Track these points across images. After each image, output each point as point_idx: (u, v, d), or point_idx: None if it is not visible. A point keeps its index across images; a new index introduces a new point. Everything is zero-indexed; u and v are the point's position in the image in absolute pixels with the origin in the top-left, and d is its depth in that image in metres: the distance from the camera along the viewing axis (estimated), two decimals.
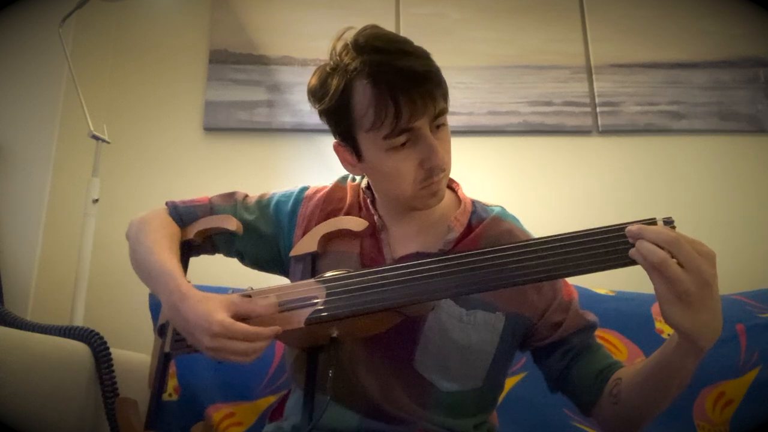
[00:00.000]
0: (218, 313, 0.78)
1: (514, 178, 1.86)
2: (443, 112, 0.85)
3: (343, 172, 1.01)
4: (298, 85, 1.91)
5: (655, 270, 0.65)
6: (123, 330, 1.62)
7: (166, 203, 1.04)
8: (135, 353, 1.30)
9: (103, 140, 1.56)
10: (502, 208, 1.01)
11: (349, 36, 0.88)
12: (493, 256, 0.75)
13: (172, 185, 1.84)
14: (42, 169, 1.66)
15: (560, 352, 0.92)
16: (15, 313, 1.22)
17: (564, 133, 1.90)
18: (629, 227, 0.69)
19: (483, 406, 0.95)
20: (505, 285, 0.76)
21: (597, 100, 1.90)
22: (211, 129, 1.90)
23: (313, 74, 0.91)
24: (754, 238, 1.79)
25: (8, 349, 0.92)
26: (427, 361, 0.88)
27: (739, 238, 1.79)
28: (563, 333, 0.91)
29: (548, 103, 1.90)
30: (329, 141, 0.90)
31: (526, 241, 0.77)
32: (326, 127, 0.94)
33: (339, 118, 0.87)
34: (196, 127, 1.91)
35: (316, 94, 0.90)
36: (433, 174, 0.85)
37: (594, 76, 1.92)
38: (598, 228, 0.73)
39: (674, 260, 0.65)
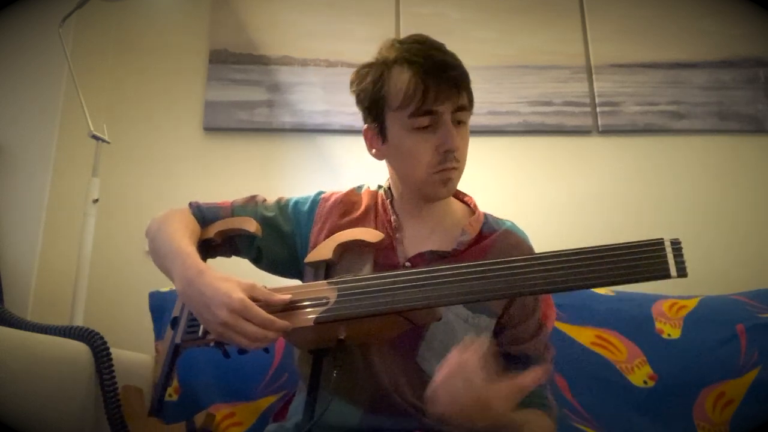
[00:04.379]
0: (238, 292, 0.80)
1: (514, 178, 1.86)
2: (465, 108, 0.94)
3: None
4: (298, 85, 1.91)
5: None
6: (123, 330, 1.61)
7: (190, 203, 1.06)
8: (135, 353, 1.30)
9: (103, 140, 1.56)
10: (512, 222, 1.05)
11: (396, 39, 0.97)
12: (503, 266, 0.77)
13: (172, 185, 1.84)
14: (42, 169, 1.66)
15: None
16: (15, 313, 1.22)
17: (564, 133, 1.90)
18: None
19: None
20: (512, 295, 0.77)
21: (597, 100, 1.90)
22: (211, 129, 1.90)
23: (357, 68, 1.00)
24: (754, 238, 1.79)
25: (8, 349, 0.91)
26: (429, 356, 0.90)
27: (739, 238, 1.79)
28: (516, 351, 0.95)
29: (548, 103, 1.90)
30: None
31: (538, 254, 0.78)
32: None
33: (373, 98, 0.95)
34: (196, 127, 1.91)
35: (357, 79, 0.98)
36: (447, 159, 0.91)
37: (594, 76, 1.92)
38: (608, 245, 0.75)
39: None
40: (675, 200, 1.83)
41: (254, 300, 0.81)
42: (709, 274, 1.67)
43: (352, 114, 1.86)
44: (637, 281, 0.73)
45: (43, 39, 1.72)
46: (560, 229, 1.78)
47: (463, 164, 0.96)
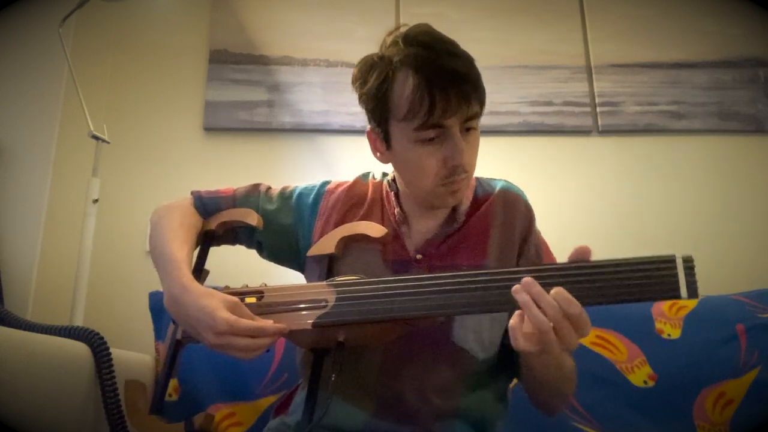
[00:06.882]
0: (222, 311, 0.78)
1: (514, 179, 1.84)
2: (476, 116, 0.89)
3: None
4: (298, 85, 1.91)
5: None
6: (123, 330, 1.62)
7: (192, 193, 1.05)
8: (135, 353, 1.30)
9: (103, 140, 1.56)
10: (506, 181, 1.05)
11: (401, 31, 0.91)
12: (504, 277, 0.75)
13: (172, 185, 1.84)
14: (42, 169, 1.66)
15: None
16: (15, 313, 1.22)
17: (564, 133, 1.90)
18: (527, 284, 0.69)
19: (500, 386, 0.96)
20: (513, 308, 0.75)
21: (597, 100, 1.90)
22: (211, 129, 1.90)
23: (359, 62, 0.93)
24: (754, 238, 1.79)
25: (8, 349, 0.91)
26: (465, 334, 0.89)
27: (739, 238, 1.79)
28: None
29: (548, 103, 1.90)
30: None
31: (541, 266, 0.76)
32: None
33: (376, 103, 0.89)
34: (196, 127, 1.91)
35: (359, 78, 0.92)
36: (455, 173, 0.88)
37: (594, 76, 1.92)
38: (614, 260, 0.71)
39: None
40: (675, 200, 1.83)
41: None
42: (709, 274, 1.66)
43: (351, 114, 1.86)
44: (644, 300, 0.70)
45: (43, 39, 1.72)
46: (560, 230, 1.77)
47: (473, 170, 0.93)
